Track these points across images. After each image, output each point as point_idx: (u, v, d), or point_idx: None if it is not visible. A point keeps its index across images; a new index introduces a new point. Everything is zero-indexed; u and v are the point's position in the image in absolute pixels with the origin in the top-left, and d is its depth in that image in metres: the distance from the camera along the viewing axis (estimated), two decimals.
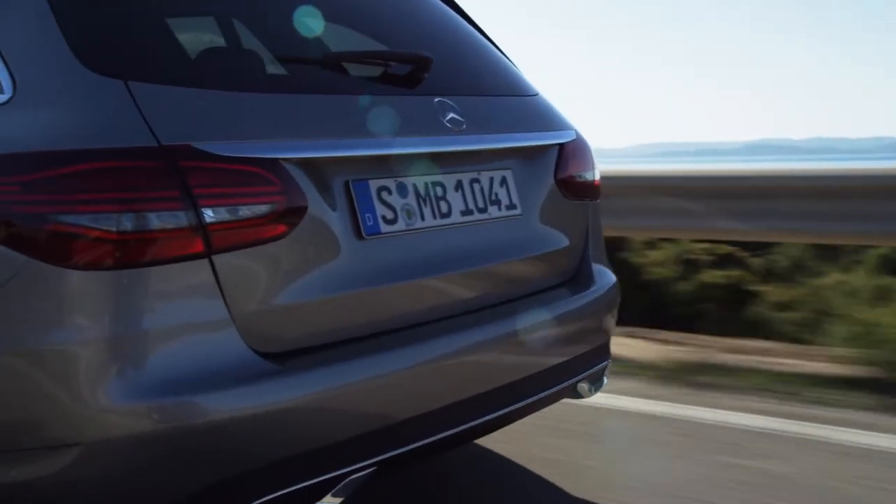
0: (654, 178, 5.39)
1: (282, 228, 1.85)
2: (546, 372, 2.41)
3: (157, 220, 1.69)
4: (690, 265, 6.36)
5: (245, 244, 1.79)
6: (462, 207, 2.25)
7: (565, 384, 2.50)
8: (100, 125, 1.72)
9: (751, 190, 4.93)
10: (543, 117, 2.65)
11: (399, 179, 2.11)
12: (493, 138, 2.38)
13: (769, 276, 6.35)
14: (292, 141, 1.91)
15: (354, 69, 2.27)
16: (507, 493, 2.87)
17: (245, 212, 1.80)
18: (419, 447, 2.04)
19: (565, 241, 2.58)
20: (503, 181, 2.38)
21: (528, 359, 2.35)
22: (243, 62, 2.30)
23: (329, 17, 2.43)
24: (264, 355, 1.81)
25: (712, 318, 5.69)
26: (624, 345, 4.73)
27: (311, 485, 1.85)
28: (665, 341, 5.03)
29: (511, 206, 2.39)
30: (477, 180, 2.30)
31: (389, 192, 2.08)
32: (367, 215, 2.01)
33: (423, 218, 2.14)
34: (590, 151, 2.76)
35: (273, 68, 2.26)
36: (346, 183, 2.00)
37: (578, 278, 2.64)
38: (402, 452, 2.01)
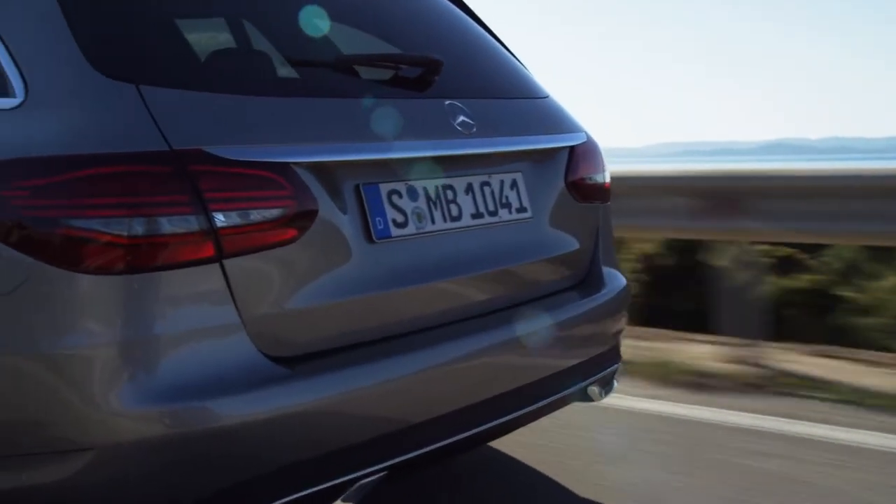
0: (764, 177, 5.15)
1: (292, 232, 1.85)
2: (556, 375, 2.40)
3: (168, 225, 1.69)
4: (761, 268, 6.17)
5: (256, 248, 1.79)
6: (472, 210, 2.24)
7: (576, 387, 2.50)
8: (111, 129, 1.73)
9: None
10: (554, 120, 2.64)
11: (409, 183, 2.10)
12: (503, 141, 2.37)
13: (843, 278, 6.17)
14: (303, 145, 1.91)
15: (365, 72, 2.27)
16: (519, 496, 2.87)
17: (256, 216, 1.80)
18: (429, 451, 2.04)
19: (576, 244, 2.58)
20: (513, 184, 2.38)
21: (537, 362, 2.34)
22: (254, 65, 2.30)
23: (339, 19, 2.43)
24: (275, 359, 1.81)
25: (798, 324, 5.50)
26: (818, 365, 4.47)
27: (322, 489, 1.85)
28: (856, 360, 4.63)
29: (521, 209, 2.39)
30: (487, 183, 2.30)
31: (400, 196, 2.08)
32: (377, 219, 2.01)
33: (433, 221, 2.14)
34: (600, 154, 2.76)
35: (284, 71, 2.26)
36: (357, 186, 2.00)
37: (589, 281, 2.63)
38: (413, 456, 2.01)
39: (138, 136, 1.72)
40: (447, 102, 2.23)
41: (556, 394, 2.40)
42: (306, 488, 1.84)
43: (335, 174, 1.96)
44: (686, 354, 4.68)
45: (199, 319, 1.74)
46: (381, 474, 1.93)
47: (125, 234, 1.66)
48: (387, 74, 2.24)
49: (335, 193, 1.94)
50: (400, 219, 2.06)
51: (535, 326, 2.27)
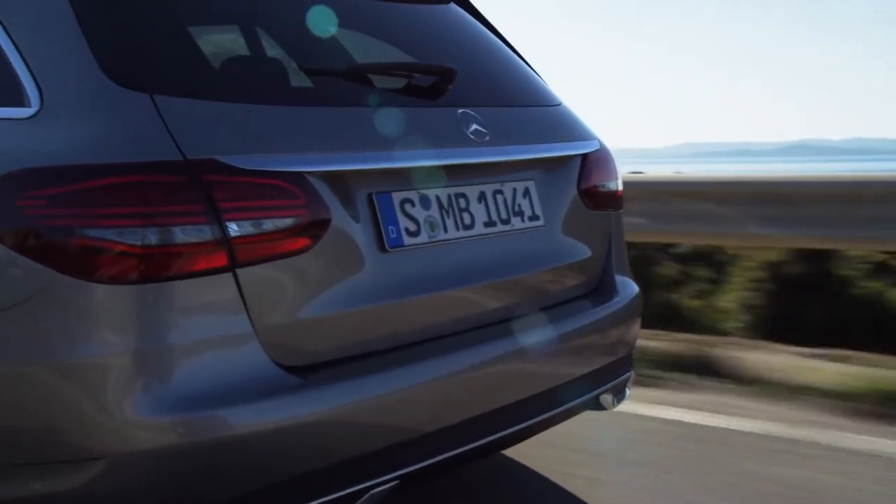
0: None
1: (305, 242, 1.85)
2: (569, 383, 2.40)
3: (182, 235, 1.70)
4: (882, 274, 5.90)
5: (269, 258, 1.80)
6: (485, 219, 2.24)
7: (588, 396, 2.50)
8: (125, 139, 1.73)
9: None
10: (566, 127, 2.64)
11: (422, 191, 2.10)
12: (516, 149, 2.37)
13: None
14: (316, 154, 1.91)
15: (378, 81, 2.27)
16: None
17: (269, 225, 1.80)
18: (442, 460, 2.04)
19: (588, 252, 2.57)
20: (526, 192, 2.37)
21: (550, 370, 2.34)
22: (267, 74, 2.30)
23: (352, 27, 2.44)
24: (287, 369, 1.81)
25: None
26: None
27: (334, 499, 1.85)
28: None
29: (534, 217, 2.38)
30: (500, 191, 2.30)
31: (413, 205, 2.08)
32: (390, 228, 2.01)
33: (446, 230, 2.13)
34: (613, 161, 2.75)
35: (297, 80, 2.27)
36: (370, 195, 2.00)
37: (601, 289, 2.63)
38: (426, 465, 2.00)
39: (152, 145, 1.72)
40: (460, 111, 2.23)
41: (568, 402, 2.40)
42: (318, 498, 1.83)
43: (348, 183, 1.96)
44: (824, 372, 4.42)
45: (213, 329, 1.74)
46: (394, 483, 1.93)
47: (139, 243, 1.66)
48: (400, 83, 2.24)
49: (348, 202, 1.95)
50: (412, 227, 2.06)
51: (547, 335, 2.27)
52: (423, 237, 2.08)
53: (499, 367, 2.16)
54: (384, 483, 1.91)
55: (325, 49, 2.43)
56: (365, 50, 2.58)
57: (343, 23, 2.35)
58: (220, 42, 2.65)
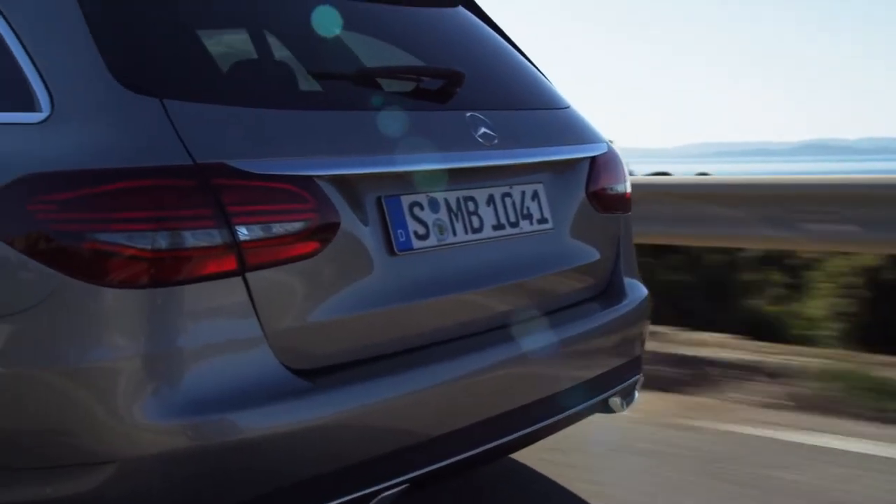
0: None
1: (315, 245, 1.85)
2: (577, 387, 2.39)
3: (192, 239, 1.70)
4: None
5: (278, 261, 1.80)
6: (494, 222, 2.24)
7: (597, 399, 2.49)
8: (136, 144, 1.74)
9: None
10: (575, 130, 2.64)
11: (431, 195, 2.10)
12: (524, 152, 2.37)
13: None
14: (325, 158, 1.92)
15: (387, 84, 2.27)
16: None
17: (278, 229, 1.80)
18: (451, 463, 2.04)
19: (596, 255, 2.57)
20: (535, 195, 2.37)
21: (558, 373, 2.33)
22: (276, 78, 2.31)
23: (361, 31, 2.44)
24: (297, 372, 1.81)
25: None
26: None
27: (343, 502, 1.85)
28: None
29: (542, 220, 2.38)
30: (509, 194, 2.30)
31: (421, 208, 2.08)
32: (399, 231, 2.01)
33: (454, 233, 2.13)
34: (621, 164, 2.75)
35: (306, 84, 2.27)
36: (379, 199, 2.00)
37: (610, 292, 2.63)
38: (434, 469, 2.00)
39: (162, 150, 1.73)
40: (468, 114, 2.23)
41: (577, 405, 2.40)
42: (327, 501, 1.84)
43: (357, 187, 1.96)
44: None
45: (222, 333, 1.75)
46: (402, 487, 1.93)
47: (149, 247, 1.67)
48: (408, 86, 2.25)
49: (357, 206, 1.95)
50: (421, 231, 2.06)
51: (556, 337, 2.27)
52: (431, 240, 2.08)
53: (507, 371, 2.16)
54: (393, 487, 1.91)
55: (334, 52, 2.43)
56: (373, 53, 2.58)
57: (351, 26, 2.36)
58: (228, 45, 2.65)
